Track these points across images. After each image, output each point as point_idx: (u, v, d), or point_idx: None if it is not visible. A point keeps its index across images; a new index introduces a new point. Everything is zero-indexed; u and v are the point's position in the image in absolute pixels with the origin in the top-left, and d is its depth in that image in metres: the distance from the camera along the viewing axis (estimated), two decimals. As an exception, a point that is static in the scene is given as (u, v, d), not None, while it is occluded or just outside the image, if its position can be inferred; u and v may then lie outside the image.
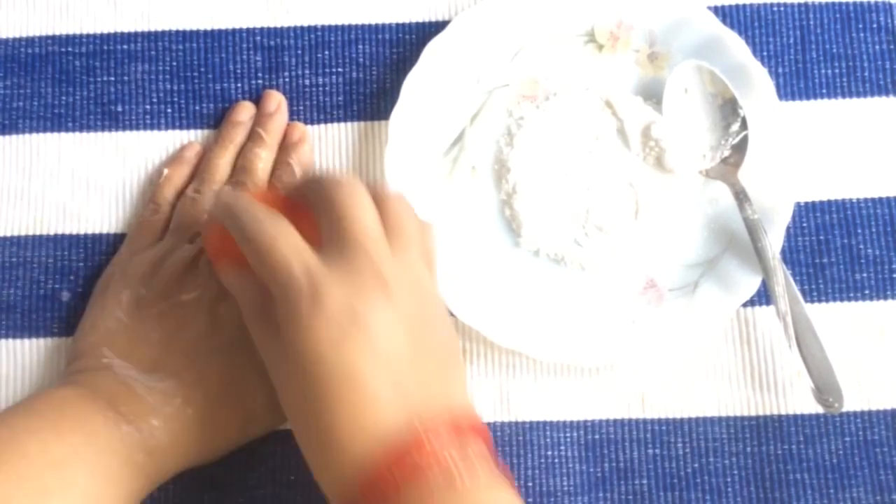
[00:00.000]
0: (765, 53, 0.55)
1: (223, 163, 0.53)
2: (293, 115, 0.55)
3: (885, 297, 0.52)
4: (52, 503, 0.40)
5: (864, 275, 0.53)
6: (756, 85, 0.52)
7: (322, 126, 0.55)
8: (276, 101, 0.54)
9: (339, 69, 0.55)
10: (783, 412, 0.51)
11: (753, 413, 0.51)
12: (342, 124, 0.55)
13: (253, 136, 0.53)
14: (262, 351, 0.42)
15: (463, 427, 0.39)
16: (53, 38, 0.56)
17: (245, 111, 0.54)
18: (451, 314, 0.50)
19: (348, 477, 0.37)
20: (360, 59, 0.56)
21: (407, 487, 0.36)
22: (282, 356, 0.40)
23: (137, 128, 0.55)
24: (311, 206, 0.43)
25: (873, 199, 0.54)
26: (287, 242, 0.40)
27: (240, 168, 0.52)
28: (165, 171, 0.53)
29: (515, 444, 0.51)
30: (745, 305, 0.52)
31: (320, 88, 0.55)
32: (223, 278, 0.45)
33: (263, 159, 0.52)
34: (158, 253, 0.50)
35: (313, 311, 0.38)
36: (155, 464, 0.44)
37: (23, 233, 0.53)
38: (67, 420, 0.42)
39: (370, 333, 0.38)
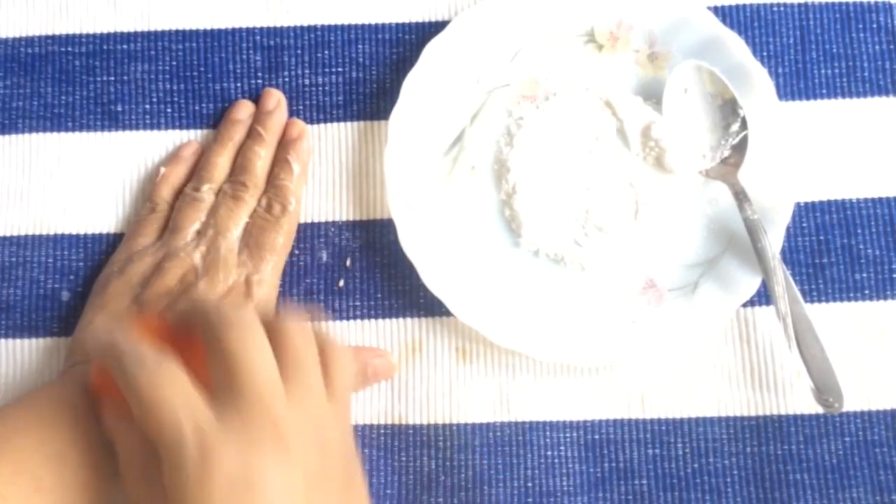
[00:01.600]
0: (765, 53, 0.55)
1: (222, 161, 0.53)
2: (293, 114, 0.55)
3: (885, 298, 0.52)
4: (49, 498, 0.40)
5: (864, 275, 0.53)
6: (756, 85, 0.52)
7: (322, 126, 0.55)
8: (276, 99, 0.54)
9: (339, 69, 0.55)
10: (783, 412, 0.51)
11: (753, 413, 0.51)
12: (342, 124, 0.55)
13: (252, 134, 0.53)
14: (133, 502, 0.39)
15: None
16: (53, 37, 0.56)
17: (244, 109, 0.54)
18: (451, 314, 0.50)
19: None
20: (360, 59, 0.56)
21: None
22: None
23: (137, 127, 0.55)
24: (201, 341, 0.39)
25: (873, 199, 0.54)
26: (176, 395, 0.36)
27: (238, 166, 0.52)
28: (163, 169, 0.53)
29: (515, 444, 0.51)
30: (744, 305, 0.52)
31: (320, 88, 0.55)
32: (104, 423, 0.41)
33: (262, 157, 0.52)
34: (157, 253, 0.50)
35: (203, 476, 0.35)
36: None
37: (23, 232, 0.53)
38: (64, 416, 0.42)
39: (264, 498, 0.35)
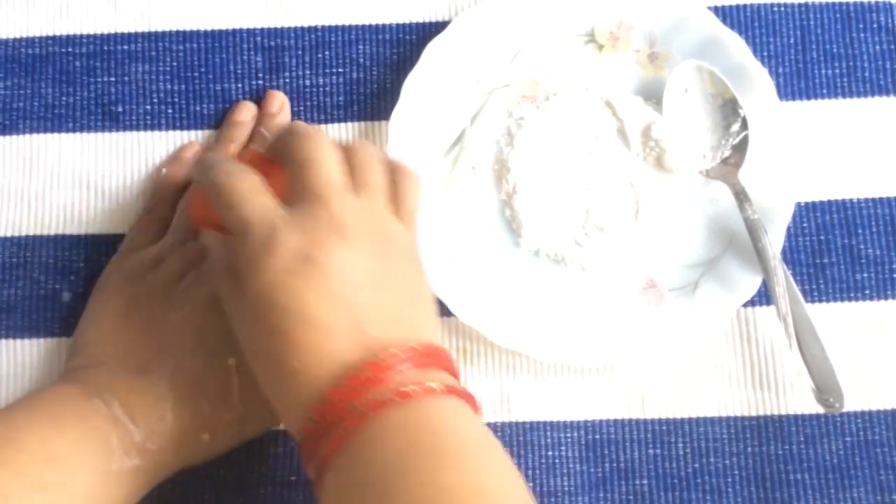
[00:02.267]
0: (765, 53, 0.55)
1: None
2: (294, 115, 0.55)
3: (886, 298, 0.52)
4: (50, 498, 0.40)
5: (865, 275, 0.53)
6: (756, 85, 0.52)
7: (322, 126, 0.55)
8: (279, 102, 0.54)
9: (340, 69, 0.55)
10: (783, 412, 0.51)
11: (754, 413, 0.51)
12: (342, 124, 0.55)
13: (256, 137, 0.53)
14: (225, 307, 0.43)
15: (421, 354, 0.39)
16: (53, 38, 0.56)
17: (246, 111, 0.54)
18: (452, 314, 0.50)
19: (303, 404, 0.38)
20: (361, 60, 0.56)
21: (358, 402, 0.37)
22: (241, 305, 0.41)
23: (138, 128, 0.55)
24: (283, 161, 0.44)
25: (873, 199, 0.53)
26: (248, 190, 0.41)
27: None
28: (164, 170, 0.53)
29: (516, 445, 0.51)
30: (745, 305, 0.52)
31: (321, 89, 0.55)
32: (203, 240, 0.46)
33: None
34: (157, 252, 0.50)
35: (266, 253, 0.39)
36: (153, 463, 0.44)
37: (23, 233, 0.53)
38: (67, 416, 0.42)
39: (321, 272, 0.39)
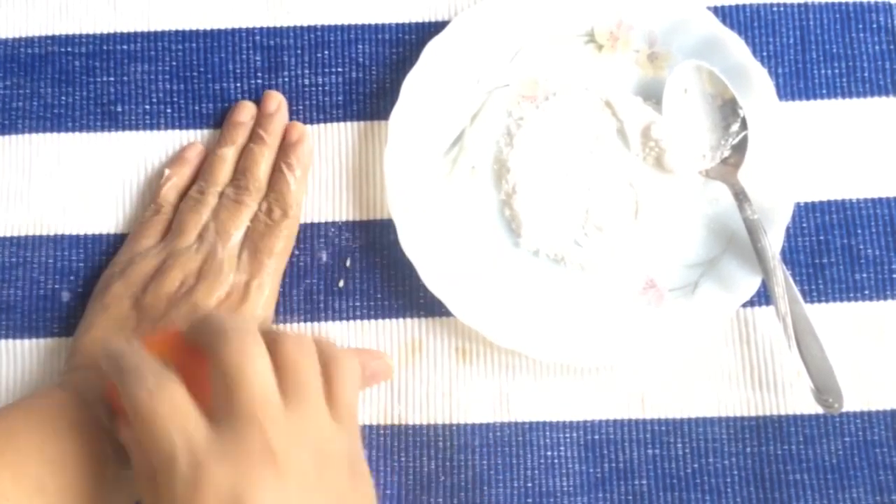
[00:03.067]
0: (765, 53, 0.55)
1: (225, 164, 0.53)
2: (293, 114, 0.55)
3: (885, 298, 0.52)
4: (49, 500, 0.40)
5: (864, 275, 0.53)
6: (756, 85, 0.52)
7: (322, 126, 0.55)
8: (277, 102, 0.54)
9: (339, 69, 0.55)
10: (783, 412, 0.51)
11: (753, 413, 0.51)
12: (342, 124, 0.55)
13: (254, 137, 0.53)
14: None
15: None
16: (53, 38, 0.56)
17: (246, 111, 0.54)
18: (451, 314, 0.50)
19: None
20: (360, 59, 0.56)
21: None
22: None
23: (137, 128, 0.55)
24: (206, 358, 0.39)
25: (873, 200, 0.54)
26: (171, 409, 0.37)
27: (241, 169, 0.52)
28: (167, 171, 0.53)
29: (515, 445, 0.51)
30: (744, 306, 0.52)
31: (320, 88, 0.55)
32: (119, 433, 0.41)
33: (264, 160, 0.52)
34: (159, 255, 0.50)
35: (193, 494, 0.35)
36: None
37: (23, 233, 0.53)
38: (65, 421, 0.42)
39: None
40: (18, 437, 0.41)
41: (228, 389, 0.37)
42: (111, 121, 0.55)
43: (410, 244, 0.51)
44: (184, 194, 0.53)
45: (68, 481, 0.41)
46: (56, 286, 0.53)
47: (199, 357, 0.39)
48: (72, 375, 0.47)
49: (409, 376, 0.52)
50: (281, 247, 0.51)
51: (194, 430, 0.36)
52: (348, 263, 0.53)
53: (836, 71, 0.55)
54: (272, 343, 0.39)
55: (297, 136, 0.53)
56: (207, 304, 0.48)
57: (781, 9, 0.55)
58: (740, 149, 0.52)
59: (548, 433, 0.51)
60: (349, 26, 0.56)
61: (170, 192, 0.53)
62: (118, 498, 0.43)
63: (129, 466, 0.43)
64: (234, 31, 0.56)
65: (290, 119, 0.55)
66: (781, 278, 0.49)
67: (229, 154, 0.53)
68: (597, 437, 0.51)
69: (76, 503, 0.41)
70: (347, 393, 0.41)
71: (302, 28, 0.56)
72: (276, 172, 0.53)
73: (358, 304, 0.52)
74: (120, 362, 0.39)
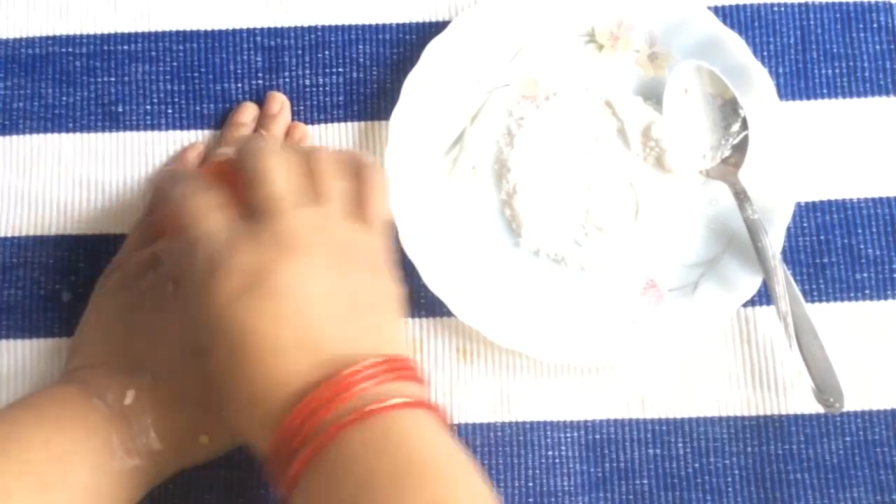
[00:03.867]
0: (765, 53, 0.55)
1: None
2: (294, 114, 0.55)
3: (886, 297, 0.52)
4: (53, 497, 0.40)
5: (865, 275, 0.53)
6: (756, 85, 0.52)
7: (322, 126, 0.55)
8: (280, 103, 0.54)
9: (340, 69, 0.55)
10: (783, 412, 0.51)
11: (754, 413, 0.51)
12: (342, 124, 0.55)
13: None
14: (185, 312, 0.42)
15: (384, 368, 0.38)
16: (54, 38, 0.56)
17: (248, 112, 0.54)
18: (451, 314, 0.50)
19: (264, 428, 0.37)
20: (361, 60, 0.56)
21: (319, 423, 0.36)
22: (197, 325, 0.40)
23: (138, 128, 0.55)
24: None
25: (873, 199, 0.54)
26: (199, 204, 0.41)
27: None
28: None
29: (515, 445, 0.51)
30: (745, 305, 0.52)
31: (320, 88, 0.55)
32: (165, 249, 0.46)
33: None
34: (154, 253, 0.50)
35: (214, 274, 0.38)
36: (154, 463, 0.44)
37: (23, 233, 0.53)
38: (68, 416, 0.43)
39: (273, 293, 0.38)
40: (23, 433, 0.41)
41: (252, 184, 0.41)
42: (112, 121, 0.55)
43: (410, 244, 0.51)
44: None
45: (74, 476, 0.41)
46: (57, 286, 0.53)
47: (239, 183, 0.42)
48: (73, 373, 0.47)
49: (410, 376, 0.52)
50: None
51: (221, 221, 0.40)
52: (349, 263, 0.53)
53: (837, 71, 0.55)
54: (306, 152, 0.43)
55: (299, 136, 0.53)
56: None
57: (782, 9, 0.55)
58: (741, 149, 0.52)
59: (548, 433, 0.51)
60: (350, 26, 0.56)
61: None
62: (125, 490, 0.43)
63: (135, 458, 0.43)
64: (234, 31, 0.56)
65: (291, 120, 0.55)
66: (782, 278, 0.49)
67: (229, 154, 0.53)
68: (597, 436, 0.51)
69: (82, 498, 0.41)
70: (375, 203, 0.43)
71: (302, 28, 0.56)
72: None
73: (358, 303, 0.52)
74: (166, 176, 0.44)
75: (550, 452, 0.51)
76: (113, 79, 0.55)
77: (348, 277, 0.40)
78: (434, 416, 0.38)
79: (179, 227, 0.41)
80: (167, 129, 0.55)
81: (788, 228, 0.52)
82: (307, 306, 0.39)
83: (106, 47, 0.56)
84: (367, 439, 0.36)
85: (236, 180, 0.42)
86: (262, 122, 0.54)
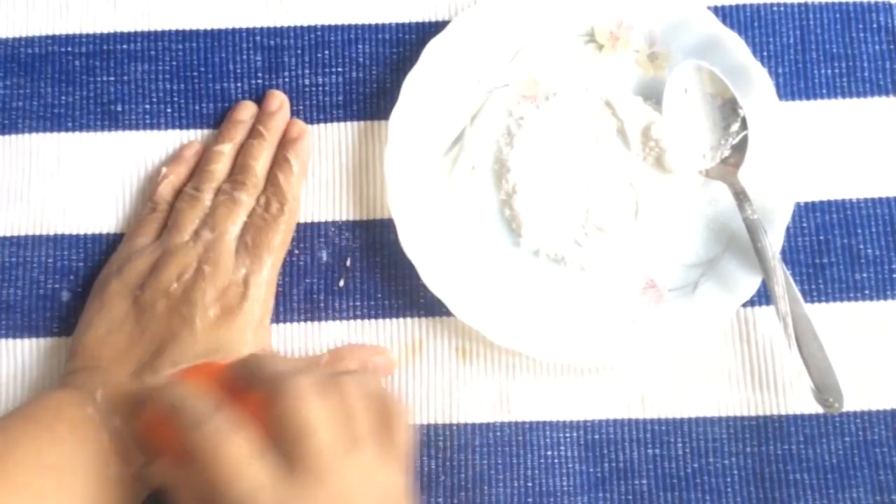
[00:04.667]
0: (765, 53, 0.55)
1: (222, 161, 0.53)
2: (294, 114, 0.55)
3: (885, 297, 0.52)
4: None
5: (864, 275, 0.53)
6: (756, 85, 0.52)
7: (322, 125, 0.55)
8: (279, 101, 0.54)
9: (339, 69, 0.55)
10: (783, 412, 0.51)
11: (753, 413, 0.51)
12: (342, 124, 0.55)
13: (253, 133, 0.53)
14: None
15: None
16: (53, 37, 0.56)
17: (246, 110, 0.54)
18: (451, 314, 0.50)
19: None
20: (360, 59, 0.56)
21: None
22: None
23: (137, 127, 0.55)
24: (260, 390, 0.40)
25: (873, 199, 0.54)
26: (239, 453, 0.37)
27: (238, 165, 0.52)
28: (164, 169, 0.53)
29: (515, 444, 0.51)
30: (744, 305, 0.52)
31: (320, 88, 0.55)
32: (160, 474, 0.41)
33: (262, 156, 0.52)
34: (155, 253, 0.50)
35: None
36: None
37: (22, 233, 0.53)
38: (63, 425, 0.43)
39: None
40: (16, 447, 0.41)
41: (293, 439, 0.38)
42: (111, 120, 0.55)
43: (410, 244, 0.51)
44: (180, 192, 0.53)
45: (69, 486, 0.41)
46: (56, 286, 0.53)
47: (242, 394, 0.40)
48: (72, 377, 0.47)
49: (410, 376, 0.52)
50: (279, 241, 0.51)
51: (264, 480, 0.37)
52: (348, 263, 0.53)
53: (837, 71, 0.55)
54: (333, 385, 0.40)
55: (298, 133, 0.53)
56: (206, 299, 0.48)
57: (781, 9, 0.55)
58: (740, 149, 0.52)
59: (548, 433, 0.51)
60: (349, 26, 0.56)
61: (166, 189, 0.52)
62: (122, 497, 0.43)
63: (130, 465, 0.43)
64: (234, 31, 0.56)
65: (291, 118, 0.55)
66: (781, 278, 0.49)
67: (226, 150, 0.53)
68: (597, 436, 0.51)
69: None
70: (402, 441, 0.41)
71: (302, 28, 0.56)
72: (274, 167, 0.52)
73: (358, 303, 0.52)
74: (176, 401, 0.39)
75: (550, 452, 0.51)
76: (112, 78, 0.55)
77: None
78: None
79: (210, 472, 0.37)
80: (166, 128, 0.55)
81: (788, 228, 0.52)
82: None
83: (105, 47, 0.56)
84: None
85: (244, 394, 0.40)
86: (259, 118, 0.54)
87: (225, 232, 0.50)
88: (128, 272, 0.49)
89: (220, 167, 0.52)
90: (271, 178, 0.52)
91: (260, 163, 0.52)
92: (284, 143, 0.53)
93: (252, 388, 0.41)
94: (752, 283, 0.51)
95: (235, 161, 0.53)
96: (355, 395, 0.40)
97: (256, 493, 0.37)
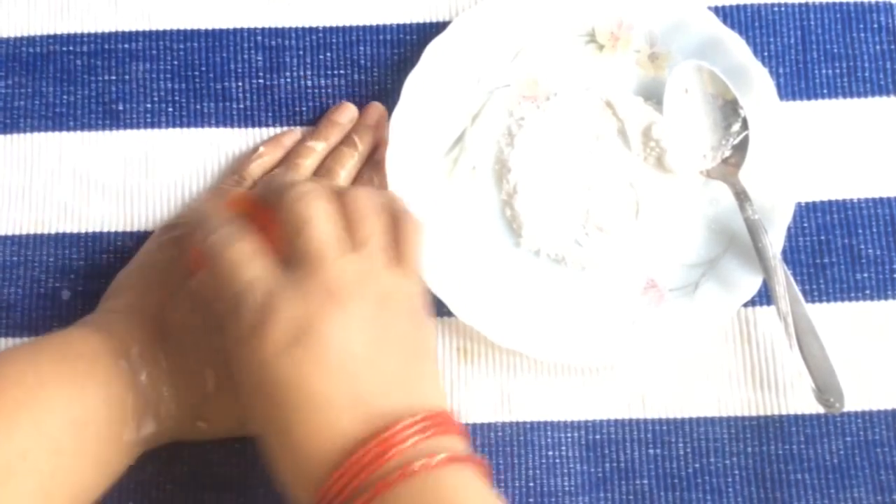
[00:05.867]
0: (765, 53, 0.55)
1: (312, 157, 0.53)
2: (295, 115, 0.55)
3: (886, 297, 0.52)
4: (65, 462, 0.40)
5: (865, 275, 0.53)
6: (756, 85, 0.52)
7: (323, 126, 0.55)
8: (379, 114, 0.54)
9: (341, 70, 0.56)
10: (784, 412, 0.51)
11: (754, 413, 0.51)
12: (343, 124, 0.55)
13: (347, 142, 0.53)
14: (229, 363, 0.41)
15: (428, 423, 0.38)
16: (54, 37, 0.56)
17: (346, 113, 0.54)
18: (452, 314, 0.50)
19: (310, 481, 0.37)
20: (362, 61, 0.56)
21: (366, 480, 0.36)
22: (239, 372, 0.40)
23: (138, 126, 0.55)
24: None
25: (874, 199, 0.54)
26: (241, 252, 0.40)
27: (326, 167, 0.52)
28: (261, 148, 0.53)
29: (516, 445, 0.51)
30: (745, 305, 0.52)
31: (322, 90, 0.55)
32: (195, 285, 0.45)
33: (349, 167, 0.52)
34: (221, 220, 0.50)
35: (262, 327, 0.38)
36: (154, 435, 0.45)
37: (24, 231, 0.53)
38: (93, 380, 0.43)
39: (319, 345, 0.38)
40: (47, 389, 0.41)
41: (294, 233, 0.40)
42: (113, 119, 0.55)
43: (411, 243, 0.51)
44: (267, 174, 0.53)
45: (86, 444, 0.41)
46: (56, 285, 0.53)
47: (274, 218, 0.42)
48: (107, 317, 0.47)
49: (410, 376, 0.52)
50: None
51: (262, 271, 0.39)
52: (349, 262, 0.53)
53: (837, 71, 0.55)
54: (343, 195, 0.42)
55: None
56: None
57: (782, 9, 0.56)
58: (741, 149, 0.52)
59: (549, 433, 0.51)
60: (350, 27, 0.56)
61: (256, 168, 0.53)
62: (125, 460, 0.44)
63: (143, 429, 0.44)
64: (235, 30, 0.56)
65: (292, 121, 0.55)
66: (782, 278, 0.49)
67: (318, 149, 0.53)
68: (598, 436, 0.51)
69: (90, 466, 0.42)
70: (413, 248, 0.42)
71: (303, 29, 0.56)
72: (357, 181, 0.53)
73: (358, 302, 0.52)
74: (202, 213, 0.43)
75: (551, 452, 0.51)
76: (113, 77, 0.55)
77: (392, 328, 0.40)
78: (480, 471, 0.38)
79: (218, 271, 0.40)
80: (167, 127, 0.55)
81: (788, 228, 0.52)
82: (353, 360, 0.38)
83: (107, 46, 0.56)
84: (416, 497, 0.36)
85: (268, 219, 0.42)
86: (356, 127, 0.54)
87: None
88: (192, 231, 0.49)
89: (309, 163, 0.53)
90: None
91: (345, 171, 0.52)
92: (373, 161, 0.53)
93: (269, 204, 0.43)
94: (752, 283, 0.51)
95: (323, 161, 0.53)
96: (364, 203, 0.42)
97: (253, 284, 0.39)
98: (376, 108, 0.55)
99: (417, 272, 0.43)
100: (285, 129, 0.55)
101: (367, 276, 0.40)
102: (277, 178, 0.44)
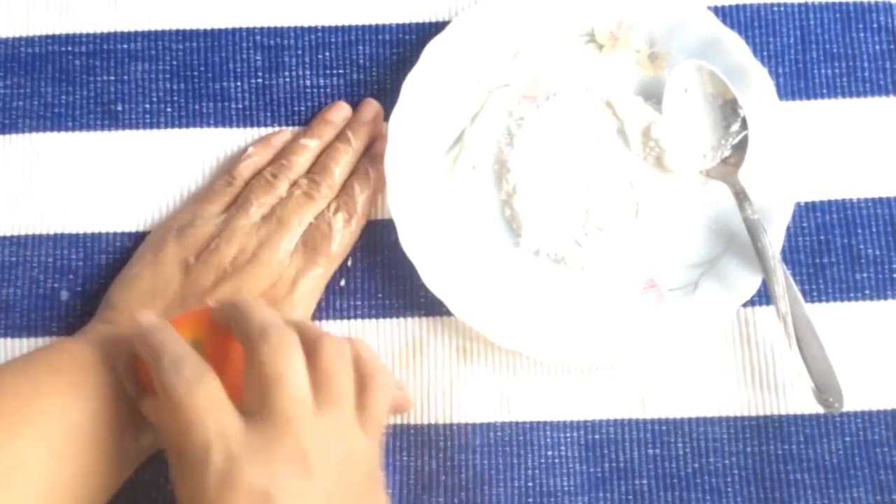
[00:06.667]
0: (765, 53, 0.55)
1: (305, 155, 0.53)
2: (294, 115, 0.55)
3: (885, 297, 0.52)
4: (63, 467, 0.40)
5: (865, 275, 0.53)
6: (756, 85, 0.52)
7: (322, 126, 0.55)
8: (374, 111, 0.54)
9: (340, 70, 0.55)
10: (783, 412, 0.51)
11: (753, 413, 0.51)
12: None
13: (341, 138, 0.53)
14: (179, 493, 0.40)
15: None
16: (53, 37, 0.56)
17: (340, 112, 0.54)
18: (452, 314, 0.50)
19: None
20: (361, 61, 0.56)
21: None
22: None
23: (137, 127, 0.55)
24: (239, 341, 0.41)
25: (873, 199, 0.54)
26: (207, 402, 0.38)
27: (320, 165, 0.52)
28: (250, 149, 0.53)
29: (515, 444, 0.51)
30: (745, 305, 0.52)
31: (321, 90, 0.55)
32: (145, 409, 0.42)
33: (344, 162, 0.52)
34: (218, 226, 0.50)
35: (224, 486, 0.37)
36: (152, 446, 0.45)
37: (22, 232, 0.53)
38: (90, 387, 0.42)
39: None
40: (43, 398, 0.41)
41: (265, 389, 0.38)
42: (111, 120, 0.55)
43: (410, 244, 0.51)
44: (258, 174, 0.53)
45: (85, 449, 0.41)
46: (55, 285, 0.53)
47: (228, 337, 0.41)
48: (103, 328, 0.47)
49: (410, 376, 0.52)
50: (338, 252, 0.51)
51: (229, 426, 0.38)
52: (349, 263, 0.53)
53: (837, 71, 0.55)
54: (311, 344, 0.41)
55: (385, 148, 0.53)
56: (253, 288, 0.48)
57: (782, 9, 0.56)
58: (740, 148, 0.52)
59: (548, 433, 0.51)
60: (349, 27, 0.56)
61: (247, 168, 0.53)
62: (126, 470, 0.44)
63: (143, 438, 0.44)
64: (234, 30, 0.56)
65: (291, 121, 0.55)
66: (782, 278, 0.49)
67: (311, 146, 0.53)
68: (597, 436, 0.51)
69: (89, 471, 0.42)
70: (378, 407, 0.42)
71: (302, 29, 0.56)
72: (352, 176, 0.53)
73: (359, 303, 0.52)
74: (155, 345, 0.40)
75: (550, 452, 0.51)
76: (112, 78, 0.55)
77: (351, 490, 0.39)
78: None
79: (177, 412, 0.38)
80: (166, 127, 0.55)
81: (788, 228, 0.52)
82: None
83: (105, 46, 0.56)
84: None
85: (227, 345, 0.41)
86: (351, 124, 0.54)
87: (289, 225, 0.50)
88: (188, 237, 0.50)
89: (302, 160, 0.53)
90: (347, 187, 0.52)
91: (340, 168, 0.52)
92: (370, 155, 0.53)
93: (235, 333, 0.41)
94: (752, 283, 0.51)
95: (317, 159, 0.53)
96: (336, 357, 0.41)
97: (219, 438, 0.37)
98: (370, 104, 0.54)
99: (378, 434, 0.42)
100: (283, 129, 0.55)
101: (333, 438, 0.39)
102: (238, 301, 0.42)
